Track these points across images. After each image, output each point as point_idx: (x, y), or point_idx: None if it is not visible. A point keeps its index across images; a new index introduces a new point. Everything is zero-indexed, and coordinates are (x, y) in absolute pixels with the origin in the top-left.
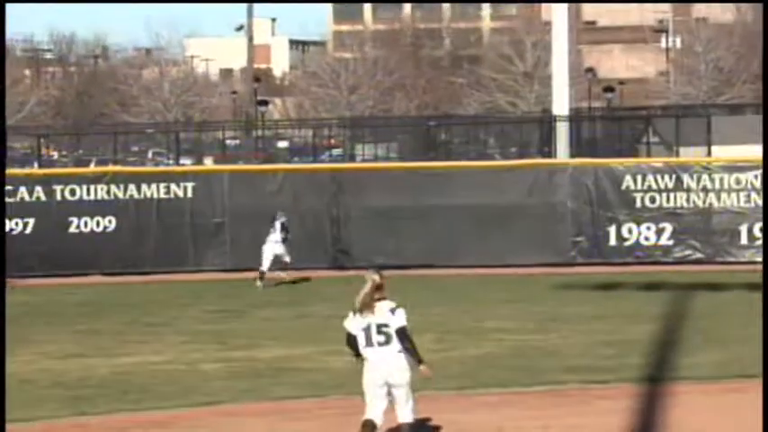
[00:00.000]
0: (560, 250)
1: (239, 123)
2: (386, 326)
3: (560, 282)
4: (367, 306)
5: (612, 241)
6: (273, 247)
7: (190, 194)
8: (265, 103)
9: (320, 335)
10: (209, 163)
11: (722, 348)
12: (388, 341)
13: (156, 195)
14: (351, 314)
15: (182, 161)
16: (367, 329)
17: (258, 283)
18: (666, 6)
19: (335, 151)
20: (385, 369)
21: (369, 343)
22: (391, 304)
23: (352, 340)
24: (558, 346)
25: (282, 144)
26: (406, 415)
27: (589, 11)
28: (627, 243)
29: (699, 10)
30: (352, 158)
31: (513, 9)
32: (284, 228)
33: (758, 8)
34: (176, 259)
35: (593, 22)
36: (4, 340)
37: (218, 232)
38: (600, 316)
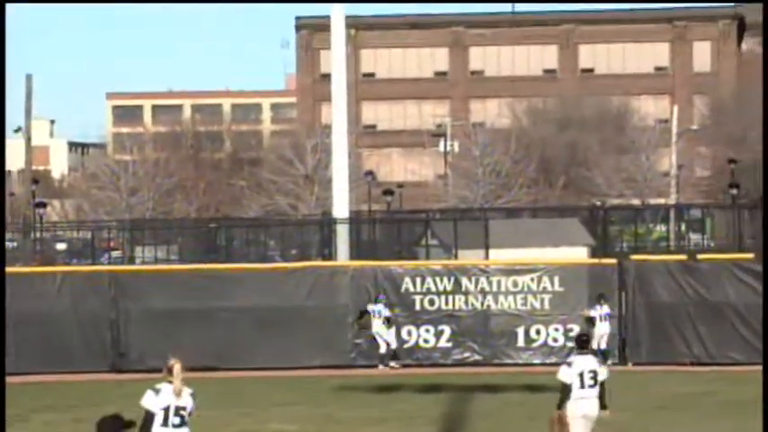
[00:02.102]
0: (341, 352)
1: (17, 225)
2: (184, 409)
3: (341, 384)
4: (180, 389)
5: (393, 343)
6: (380, 330)
7: None
8: (44, 205)
9: None
10: None
11: None
12: (182, 424)
13: None
14: (151, 393)
15: None
16: (166, 410)
17: (391, 363)
18: (444, 110)
19: (115, 253)
20: None
21: (165, 423)
22: (190, 390)
23: (149, 418)
24: None
25: (61, 246)
26: None
27: (369, 115)
28: (406, 345)
29: (476, 114)
30: (131, 261)
31: (293, 112)
32: (388, 319)
33: (534, 114)
34: None
35: (372, 126)
36: (4, 341)
37: None
38: (380, 418)
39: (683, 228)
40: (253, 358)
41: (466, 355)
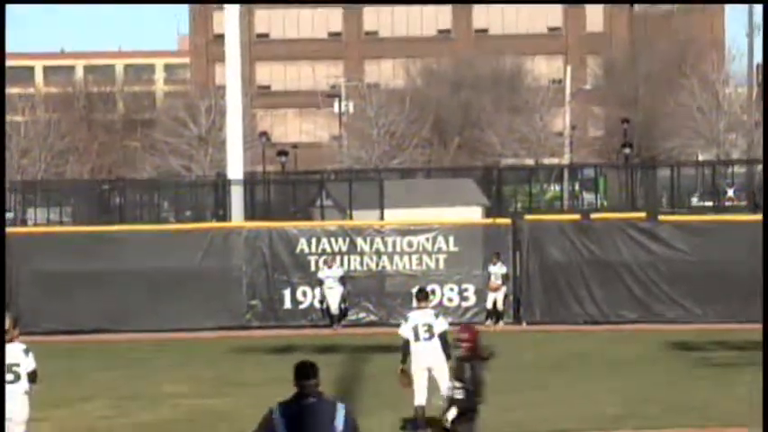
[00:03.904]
0: (235, 314)
1: None
2: (17, 365)
3: (236, 345)
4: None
5: (287, 304)
6: (329, 293)
7: None
8: None
9: None
10: None
11: (396, 411)
12: (15, 380)
13: None
14: None
15: None
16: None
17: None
18: (339, 71)
19: (7, 215)
20: (10, 406)
21: None
22: (22, 346)
23: None
24: (234, 410)
25: None
26: None
27: (263, 75)
28: (302, 306)
29: (370, 75)
30: (23, 223)
31: (186, 73)
32: (342, 279)
33: (428, 74)
34: None
35: (266, 87)
36: (3, 339)
37: None
38: (275, 379)
39: (577, 188)
40: (146, 321)
41: (361, 315)
